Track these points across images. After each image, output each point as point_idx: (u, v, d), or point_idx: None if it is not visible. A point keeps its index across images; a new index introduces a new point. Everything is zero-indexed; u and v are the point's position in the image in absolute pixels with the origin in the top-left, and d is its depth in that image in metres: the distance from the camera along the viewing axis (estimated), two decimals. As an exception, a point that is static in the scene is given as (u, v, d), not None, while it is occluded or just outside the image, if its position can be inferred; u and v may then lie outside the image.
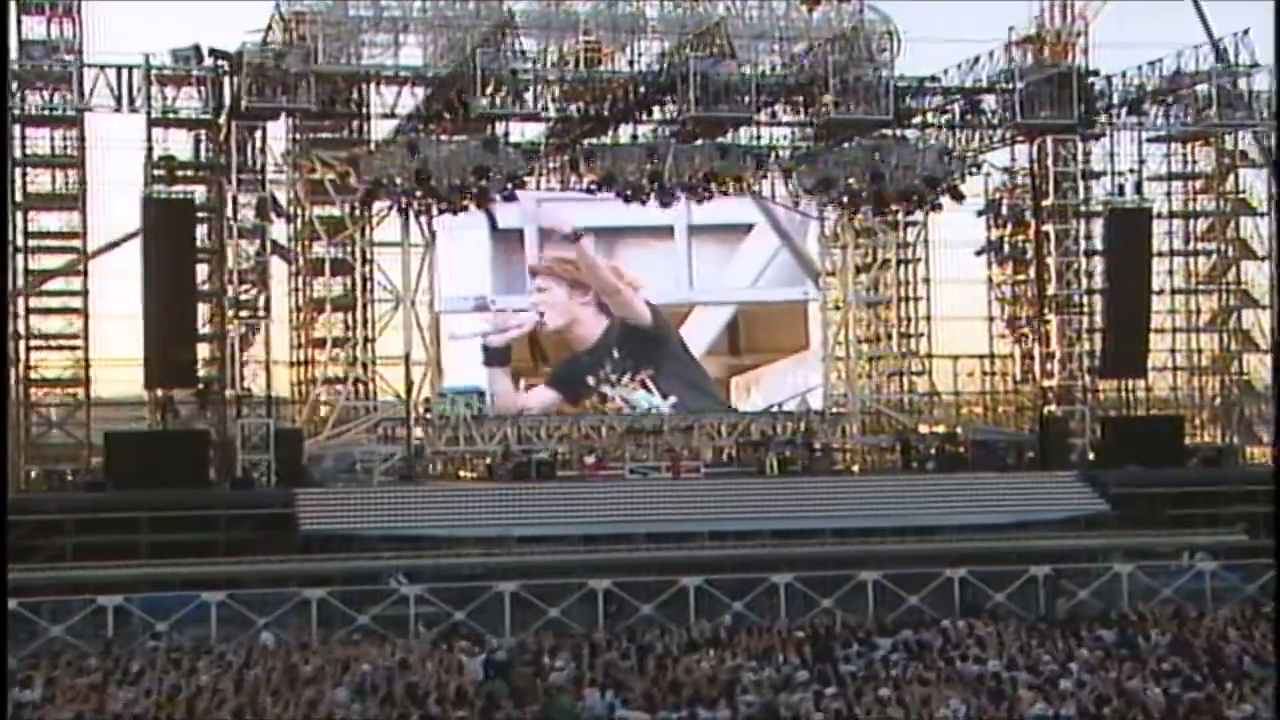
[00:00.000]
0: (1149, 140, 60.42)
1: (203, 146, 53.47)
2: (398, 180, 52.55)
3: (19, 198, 52.31)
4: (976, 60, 54.78)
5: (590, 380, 58.08)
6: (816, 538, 47.84)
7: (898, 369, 61.59)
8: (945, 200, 57.45)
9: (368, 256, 56.93)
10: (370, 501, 49.11)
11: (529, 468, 53.86)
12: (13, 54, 50.22)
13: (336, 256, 56.67)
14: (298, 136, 55.04)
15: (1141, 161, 60.61)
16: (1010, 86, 54.71)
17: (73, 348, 53.67)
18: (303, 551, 46.24)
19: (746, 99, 50.61)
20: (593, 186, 55.52)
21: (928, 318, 61.94)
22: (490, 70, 48.99)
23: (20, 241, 52.63)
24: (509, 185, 53.72)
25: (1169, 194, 61.00)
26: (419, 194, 53.05)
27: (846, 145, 55.94)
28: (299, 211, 56.60)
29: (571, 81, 53.08)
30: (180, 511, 46.61)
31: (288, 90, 49.41)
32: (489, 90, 48.98)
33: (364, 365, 56.93)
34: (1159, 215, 60.32)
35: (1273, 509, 44.92)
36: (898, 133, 56.75)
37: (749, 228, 60.14)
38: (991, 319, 62.56)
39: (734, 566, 44.58)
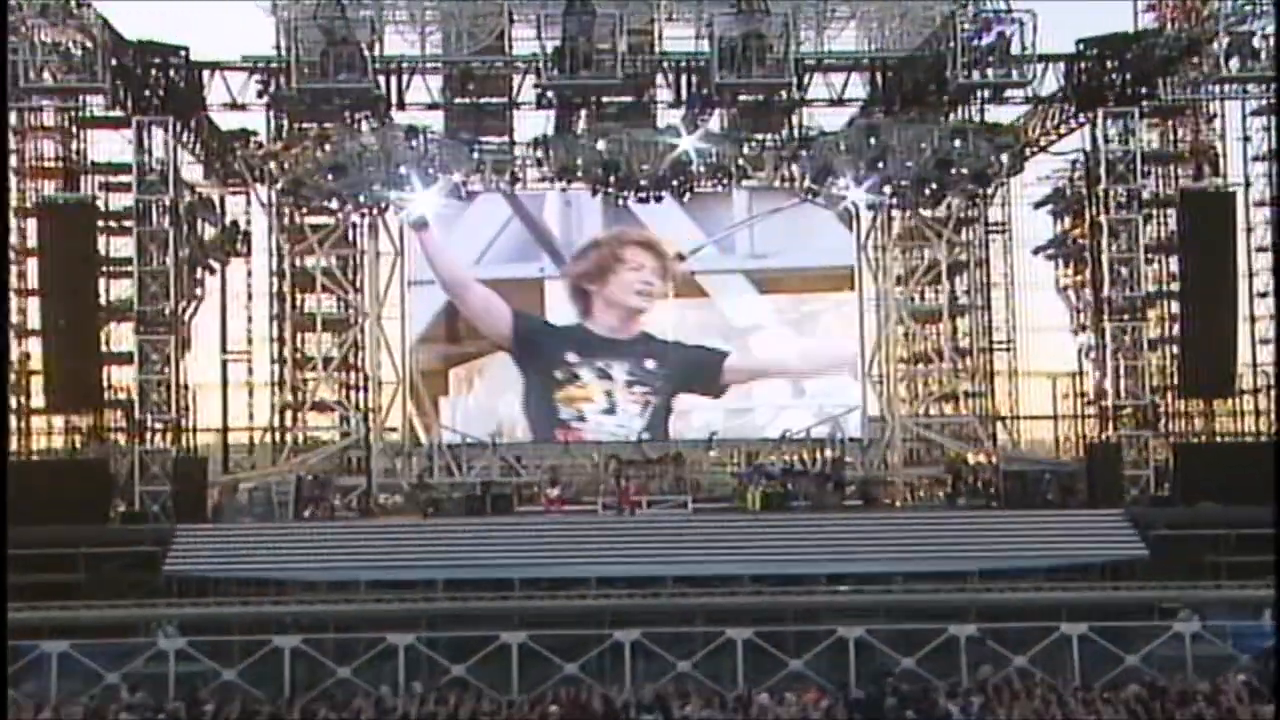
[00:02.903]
0: (1253, 113, 50.54)
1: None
2: (315, 178, 46.78)
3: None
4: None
5: (570, 357, 51.41)
6: (731, 584, 40.05)
7: (951, 390, 52.77)
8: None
9: (327, 267, 51.45)
10: (251, 540, 43.27)
11: (483, 501, 47.36)
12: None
13: (301, 267, 51.51)
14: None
15: (1245, 139, 50.84)
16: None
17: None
18: (164, 595, 40.90)
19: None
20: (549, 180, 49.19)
21: (988, 328, 53.14)
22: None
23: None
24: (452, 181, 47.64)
25: (1270, 175, 50.60)
26: (344, 193, 47.21)
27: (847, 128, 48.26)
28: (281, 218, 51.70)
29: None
30: (40, 550, 41.53)
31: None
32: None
33: (324, 387, 51.58)
34: (1264, 203, 50.35)
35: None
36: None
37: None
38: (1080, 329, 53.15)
39: (572, 620, 37.37)
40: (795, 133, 51.15)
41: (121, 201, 49.14)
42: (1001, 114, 51.23)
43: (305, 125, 49.93)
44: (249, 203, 53.81)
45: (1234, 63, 44.21)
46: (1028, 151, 53.52)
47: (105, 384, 48.23)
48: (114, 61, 42.98)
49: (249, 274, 56.87)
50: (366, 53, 44.21)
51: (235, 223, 55.42)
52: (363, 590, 39.97)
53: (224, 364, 57.09)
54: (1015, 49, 45.49)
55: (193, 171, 52.34)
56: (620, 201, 48.80)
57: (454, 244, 52.15)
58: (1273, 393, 49.66)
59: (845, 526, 44.19)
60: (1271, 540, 40.50)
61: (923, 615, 37.52)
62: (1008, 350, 56.99)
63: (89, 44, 41.79)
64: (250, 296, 56.97)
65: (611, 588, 39.52)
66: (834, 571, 40.50)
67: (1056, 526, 43.95)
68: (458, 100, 50.30)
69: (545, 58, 44.76)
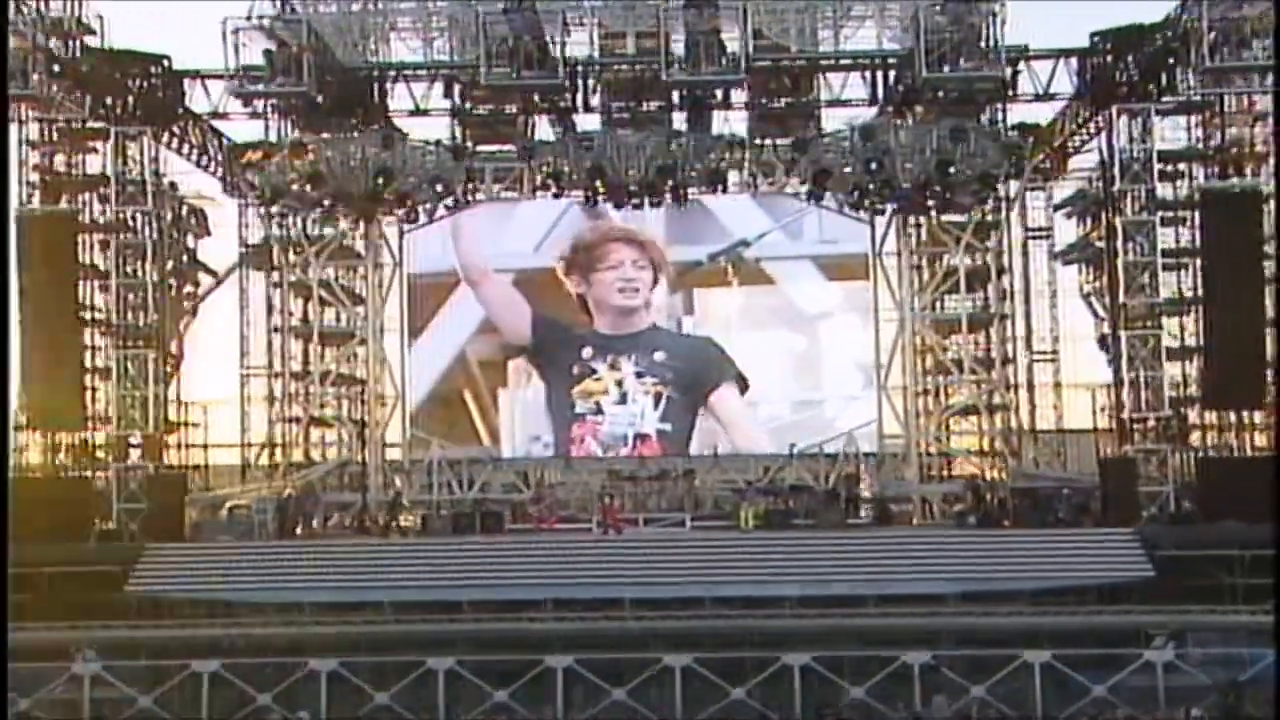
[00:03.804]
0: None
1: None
2: (293, 188, 45.64)
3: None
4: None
5: (585, 351, 49.84)
6: (693, 607, 38.04)
7: (971, 403, 50.22)
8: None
9: (325, 278, 50.34)
10: (217, 561, 41.88)
11: (473, 520, 45.74)
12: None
13: (299, 279, 50.45)
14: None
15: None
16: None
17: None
18: (124, 616, 39.74)
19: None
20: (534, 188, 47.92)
21: (1013, 338, 50.63)
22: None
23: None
24: (438, 190, 46.23)
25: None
26: (327, 202, 46.09)
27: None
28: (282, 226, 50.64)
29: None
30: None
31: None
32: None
33: (323, 405, 50.48)
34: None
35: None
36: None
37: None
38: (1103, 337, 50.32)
39: (521, 645, 35.68)
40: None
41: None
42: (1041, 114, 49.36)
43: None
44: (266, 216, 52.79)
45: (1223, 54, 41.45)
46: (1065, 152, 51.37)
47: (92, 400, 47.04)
48: (57, 68, 42.32)
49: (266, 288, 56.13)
50: (309, 58, 42.82)
51: (268, 237, 54.57)
52: (308, 612, 38.43)
53: (243, 378, 56.24)
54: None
55: (202, 183, 51.83)
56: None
57: (510, 233, 51.00)
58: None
59: (833, 546, 41.85)
60: (1283, 561, 38.16)
61: (890, 640, 35.38)
62: (1053, 361, 54.50)
63: (24, 49, 40.87)
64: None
65: (568, 610, 37.75)
66: (807, 594, 38.36)
67: (1057, 546, 41.42)
68: (454, 107, 48.90)
69: (487, 59, 43.19)
